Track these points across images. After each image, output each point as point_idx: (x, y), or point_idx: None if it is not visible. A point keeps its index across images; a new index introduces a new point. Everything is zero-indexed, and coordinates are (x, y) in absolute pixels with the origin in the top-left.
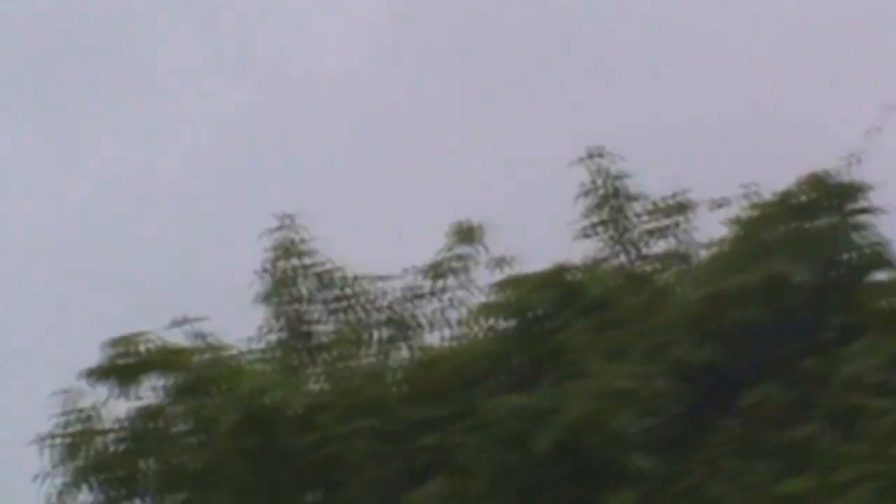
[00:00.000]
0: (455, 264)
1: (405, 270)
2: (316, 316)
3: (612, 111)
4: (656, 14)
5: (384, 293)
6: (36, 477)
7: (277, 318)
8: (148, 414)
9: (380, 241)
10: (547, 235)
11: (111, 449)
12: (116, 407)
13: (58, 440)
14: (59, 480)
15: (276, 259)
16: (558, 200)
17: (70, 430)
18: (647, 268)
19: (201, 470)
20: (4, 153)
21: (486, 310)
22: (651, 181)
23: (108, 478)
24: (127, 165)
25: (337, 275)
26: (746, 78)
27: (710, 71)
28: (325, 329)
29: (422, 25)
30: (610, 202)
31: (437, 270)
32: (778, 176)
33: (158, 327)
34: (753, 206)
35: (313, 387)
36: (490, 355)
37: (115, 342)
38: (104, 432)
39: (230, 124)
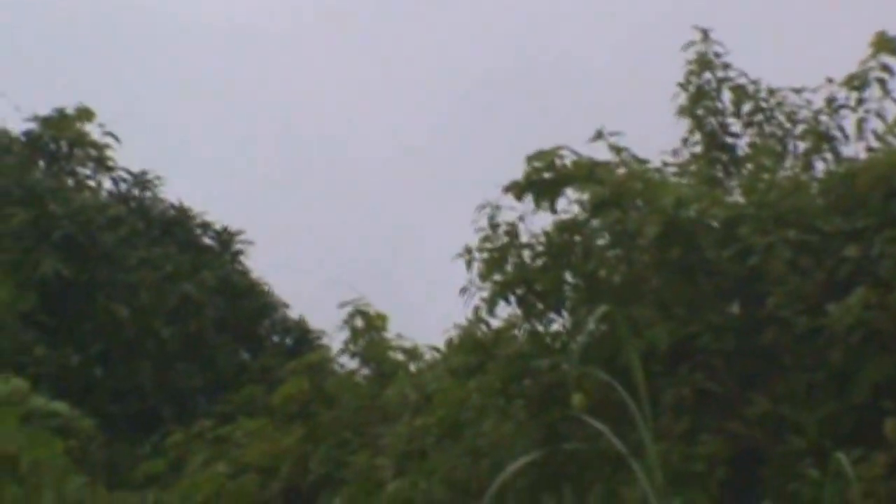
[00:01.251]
0: (877, 74)
1: (826, 81)
2: (736, 128)
3: None
4: None
5: (804, 105)
6: (462, 290)
7: (698, 130)
8: (569, 227)
9: (801, 52)
10: None
11: (533, 263)
12: (538, 220)
13: (482, 254)
14: (483, 293)
15: (697, 72)
16: None
17: (494, 243)
18: None
19: (622, 283)
20: None
21: None
22: None
23: (529, 291)
24: None
25: (756, 87)
26: None
27: None
28: (744, 141)
29: None
30: None
31: (857, 81)
32: None
33: (580, 140)
34: None
35: (734, 199)
36: None
37: (536, 156)
38: (526, 246)
39: None
